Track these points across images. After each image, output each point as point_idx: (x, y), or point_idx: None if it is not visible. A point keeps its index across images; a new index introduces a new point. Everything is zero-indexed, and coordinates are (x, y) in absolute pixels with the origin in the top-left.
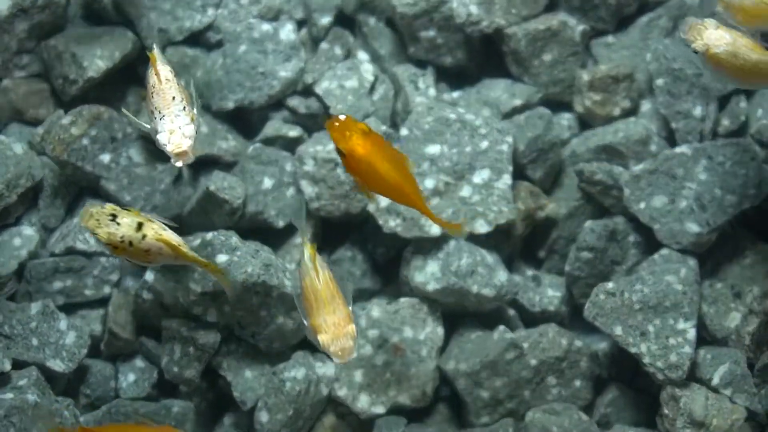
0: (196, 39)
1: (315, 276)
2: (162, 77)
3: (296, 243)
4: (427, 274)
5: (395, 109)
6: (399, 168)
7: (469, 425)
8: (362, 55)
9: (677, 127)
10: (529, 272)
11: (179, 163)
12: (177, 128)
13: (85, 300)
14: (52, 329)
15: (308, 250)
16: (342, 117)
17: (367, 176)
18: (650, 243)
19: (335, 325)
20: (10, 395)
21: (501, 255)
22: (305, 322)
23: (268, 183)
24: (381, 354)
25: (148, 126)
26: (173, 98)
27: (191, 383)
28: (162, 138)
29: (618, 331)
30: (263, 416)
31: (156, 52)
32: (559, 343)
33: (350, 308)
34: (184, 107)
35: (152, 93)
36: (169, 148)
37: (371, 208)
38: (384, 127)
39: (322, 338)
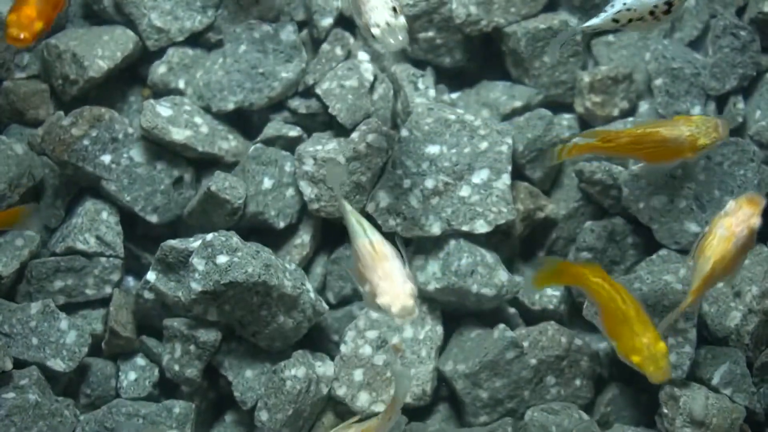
0: (197, 39)
1: (366, 240)
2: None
3: (296, 243)
4: (428, 274)
5: (395, 110)
6: None
7: (468, 425)
8: (362, 55)
9: None
10: (529, 272)
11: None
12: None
13: (86, 299)
14: (53, 328)
15: (353, 216)
16: None
17: None
18: (649, 244)
19: (393, 286)
20: (11, 395)
21: (501, 255)
22: (360, 289)
23: (267, 183)
24: (381, 354)
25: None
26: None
27: (192, 382)
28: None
29: None
30: (263, 415)
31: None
32: (559, 341)
33: (407, 268)
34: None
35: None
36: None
37: (370, 208)
38: (384, 128)
39: (382, 301)
